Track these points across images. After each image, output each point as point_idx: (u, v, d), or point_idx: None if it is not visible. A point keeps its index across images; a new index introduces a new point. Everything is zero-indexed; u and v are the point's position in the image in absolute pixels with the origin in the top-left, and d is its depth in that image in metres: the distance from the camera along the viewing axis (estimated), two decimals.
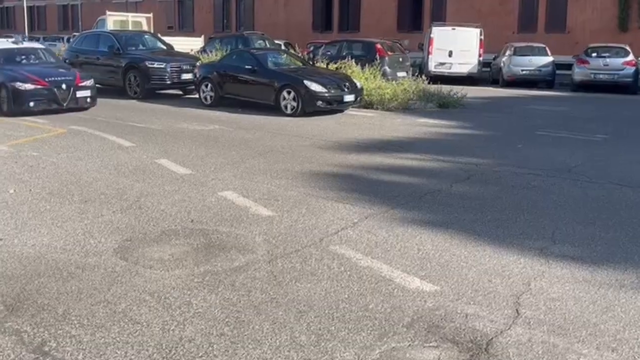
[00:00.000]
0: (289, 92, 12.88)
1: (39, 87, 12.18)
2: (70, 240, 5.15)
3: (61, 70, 13.44)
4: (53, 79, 12.46)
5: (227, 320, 3.79)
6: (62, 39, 37.25)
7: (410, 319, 3.84)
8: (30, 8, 35.94)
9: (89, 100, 12.89)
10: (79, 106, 12.67)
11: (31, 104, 12.04)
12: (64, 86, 12.38)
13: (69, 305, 3.94)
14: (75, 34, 29.48)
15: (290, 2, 34.31)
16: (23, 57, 13.70)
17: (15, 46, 14.35)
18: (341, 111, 13.42)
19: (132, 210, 5.99)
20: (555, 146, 9.92)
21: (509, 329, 3.74)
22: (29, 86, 12.08)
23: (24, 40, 17.78)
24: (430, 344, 3.55)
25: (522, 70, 20.52)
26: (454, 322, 3.81)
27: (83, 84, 12.82)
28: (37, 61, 13.73)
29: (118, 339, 3.54)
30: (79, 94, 12.67)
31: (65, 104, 12.33)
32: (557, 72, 20.85)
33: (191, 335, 3.59)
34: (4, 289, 4.17)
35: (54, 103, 12.26)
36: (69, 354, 3.37)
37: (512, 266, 4.73)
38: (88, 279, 4.34)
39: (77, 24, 43.92)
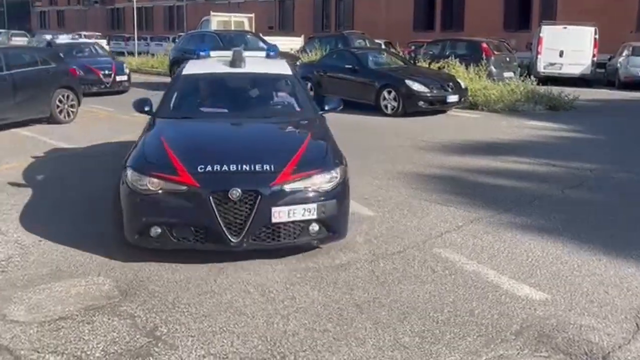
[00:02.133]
0: (389, 92, 12.79)
1: None
2: None
3: None
4: None
5: (330, 316, 3.78)
6: (168, 38, 39.12)
7: (519, 326, 3.68)
8: (138, 9, 37.93)
9: None
10: None
11: None
12: None
13: (178, 293, 4.09)
14: (180, 34, 30.76)
15: (391, 1, 34.10)
16: None
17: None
18: (444, 112, 13.14)
19: None
20: None
21: (628, 343, 3.49)
22: None
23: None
24: (541, 354, 3.38)
25: None
26: (566, 332, 3.61)
27: None
28: None
29: (224, 328, 3.62)
30: None
31: None
32: None
33: (295, 329, 3.61)
34: (118, 275, 4.39)
35: None
36: (179, 340, 3.48)
37: (630, 278, 4.42)
38: (195, 269, 4.48)
39: (182, 24, 45.88)
